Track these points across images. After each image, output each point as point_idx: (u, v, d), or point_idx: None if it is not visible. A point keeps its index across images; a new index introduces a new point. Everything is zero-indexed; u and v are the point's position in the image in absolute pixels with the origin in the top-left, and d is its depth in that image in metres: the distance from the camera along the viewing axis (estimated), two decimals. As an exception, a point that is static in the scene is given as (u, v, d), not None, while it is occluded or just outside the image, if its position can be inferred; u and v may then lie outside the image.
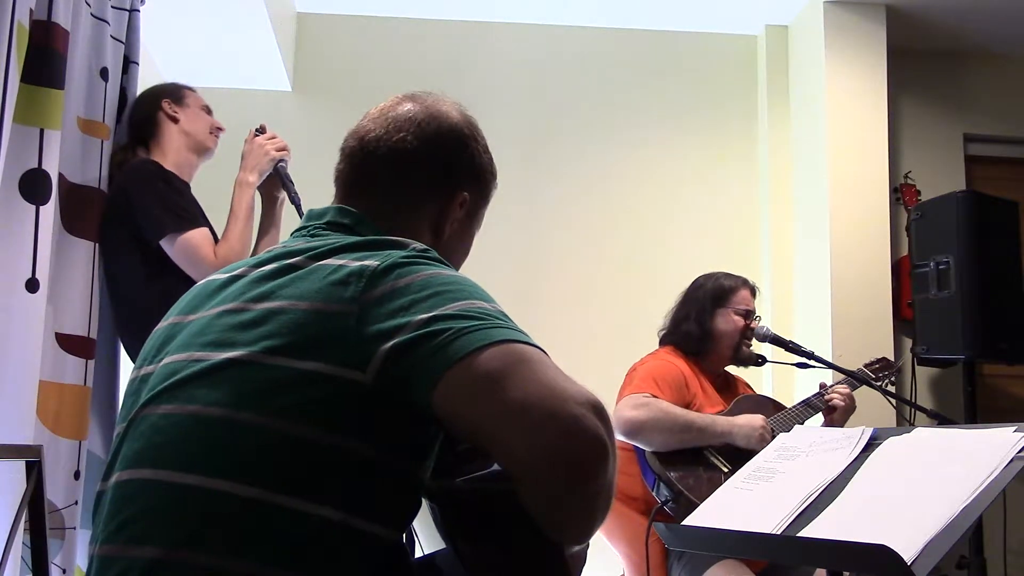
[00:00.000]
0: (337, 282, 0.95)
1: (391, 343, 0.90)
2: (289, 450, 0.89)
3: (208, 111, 2.42)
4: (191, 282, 1.89)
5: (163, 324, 1.09)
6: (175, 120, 2.33)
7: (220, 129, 2.43)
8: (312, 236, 1.10)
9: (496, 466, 0.98)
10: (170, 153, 2.31)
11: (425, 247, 1.03)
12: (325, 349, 0.92)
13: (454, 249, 1.22)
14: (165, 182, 2.20)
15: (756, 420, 2.41)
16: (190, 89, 2.43)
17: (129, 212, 2.16)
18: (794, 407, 2.60)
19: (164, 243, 2.14)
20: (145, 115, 2.35)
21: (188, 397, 0.94)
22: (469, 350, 0.87)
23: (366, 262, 0.96)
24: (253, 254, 2.20)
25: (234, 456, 0.90)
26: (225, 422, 0.91)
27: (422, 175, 1.16)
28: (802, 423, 2.53)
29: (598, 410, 0.86)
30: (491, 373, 0.86)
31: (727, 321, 2.62)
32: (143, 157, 2.27)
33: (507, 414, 0.85)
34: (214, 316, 1.00)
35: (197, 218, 2.20)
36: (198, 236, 2.14)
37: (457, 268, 1.17)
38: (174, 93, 2.38)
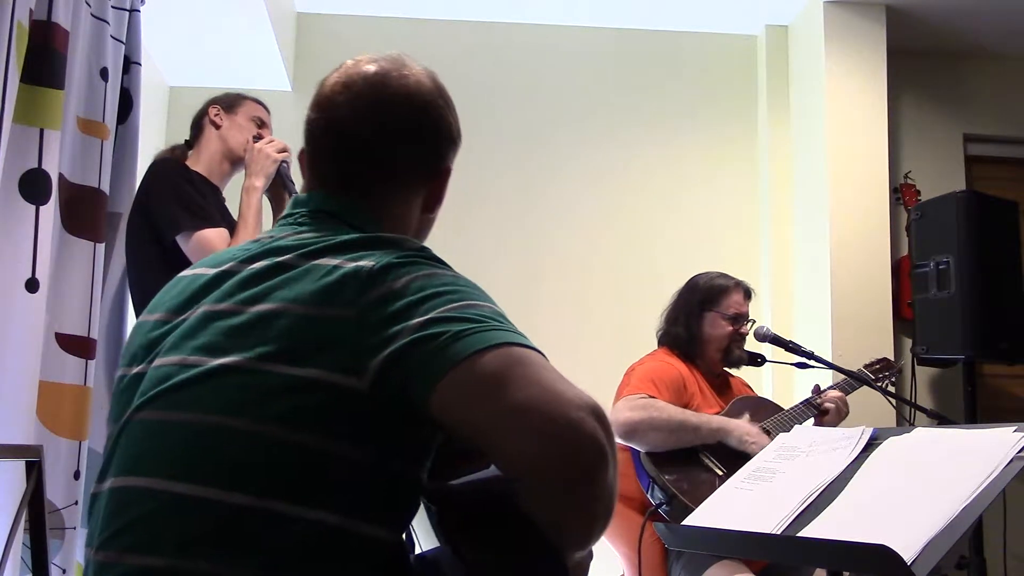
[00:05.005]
0: (332, 284, 0.93)
1: (389, 349, 0.89)
2: (285, 456, 0.89)
3: (259, 124, 2.42)
4: None
5: (149, 319, 1.05)
6: (217, 127, 2.38)
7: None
8: (299, 225, 1.07)
9: (493, 468, 0.97)
10: (204, 156, 2.37)
11: (422, 246, 1.01)
12: (321, 355, 0.90)
13: (431, 219, 1.19)
14: (185, 180, 2.24)
15: (754, 427, 2.39)
16: (255, 102, 2.45)
17: (148, 210, 2.19)
18: (791, 409, 2.58)
19: (180, 239, 2.15)
20: (196, 118, 2.42)
21: (182, 404, 0.92)
22: (467, 354, 0.87)
23: (361, 263, 0.95)
24: None
25: (229, 464, 0.89)
26: (220, 430, 0.90)
27: (408, 157, 1.12)
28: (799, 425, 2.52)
29: (597, 414, 0.85)
30: (489, 376, 0.86)
31: (715, 326, 2.58)
32: (165, 156, 2.33)
33: (505, 417, 0.84)
34: (205, 317, 0.98)
35: (215, 218, 2.21)
36: (212, 234, 2.15)
37: (426, 235, 1.16)
38: (229, 101, 2.42)
